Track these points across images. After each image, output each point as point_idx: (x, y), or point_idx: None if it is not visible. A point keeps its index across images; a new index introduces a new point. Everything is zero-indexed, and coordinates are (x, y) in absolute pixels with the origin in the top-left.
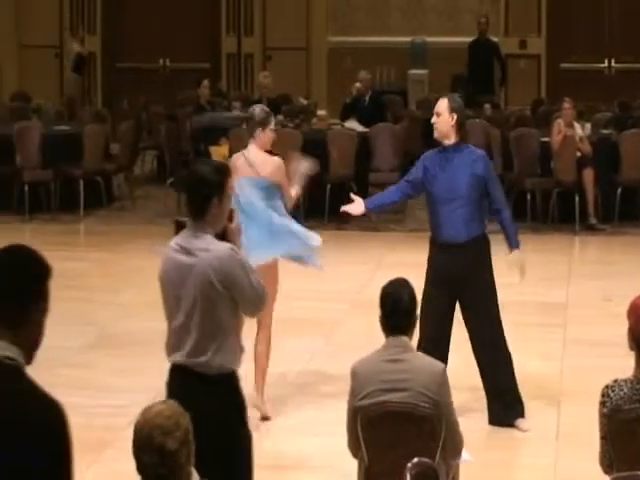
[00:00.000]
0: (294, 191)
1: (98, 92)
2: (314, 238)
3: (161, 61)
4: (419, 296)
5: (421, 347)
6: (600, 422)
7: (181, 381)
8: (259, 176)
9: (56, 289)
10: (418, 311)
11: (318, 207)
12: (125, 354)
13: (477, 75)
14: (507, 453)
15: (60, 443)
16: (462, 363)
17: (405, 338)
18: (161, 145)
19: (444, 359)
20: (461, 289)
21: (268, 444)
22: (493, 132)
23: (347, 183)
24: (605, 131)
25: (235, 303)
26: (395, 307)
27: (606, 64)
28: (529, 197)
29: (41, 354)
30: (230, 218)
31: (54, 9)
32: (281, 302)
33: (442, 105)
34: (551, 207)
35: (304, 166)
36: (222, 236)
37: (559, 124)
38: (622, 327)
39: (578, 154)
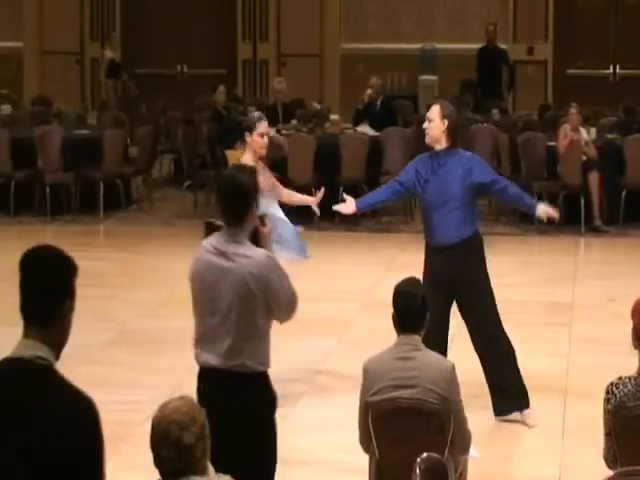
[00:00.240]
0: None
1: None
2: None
3: (179, 67)
4: None
5: None
6: (604, 418)
7: (215, 382)
8: None
9: (76, 288)
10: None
11: (330, 209)
12: (143, 351)
13: (486, 81)
14: (513, 448)
15: (93, 439)
16: (467, 359)
17: (416, 337)
18: (178, 149)
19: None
20: (457, 290)
21: (281, 439)
22: (501, 136)
23: (359, 185)
24: (610, 135)
25: (269, 307)
26: (408, 306)
27: (611, 70)
28: (536, 199)
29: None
30: (262, 222)
31: (75, 17)
32: None
33: (434, 111)
34: (557, 209)
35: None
36: (253, 239)
37: (565, 129)
38: (626, 326)
39: (584, 158)
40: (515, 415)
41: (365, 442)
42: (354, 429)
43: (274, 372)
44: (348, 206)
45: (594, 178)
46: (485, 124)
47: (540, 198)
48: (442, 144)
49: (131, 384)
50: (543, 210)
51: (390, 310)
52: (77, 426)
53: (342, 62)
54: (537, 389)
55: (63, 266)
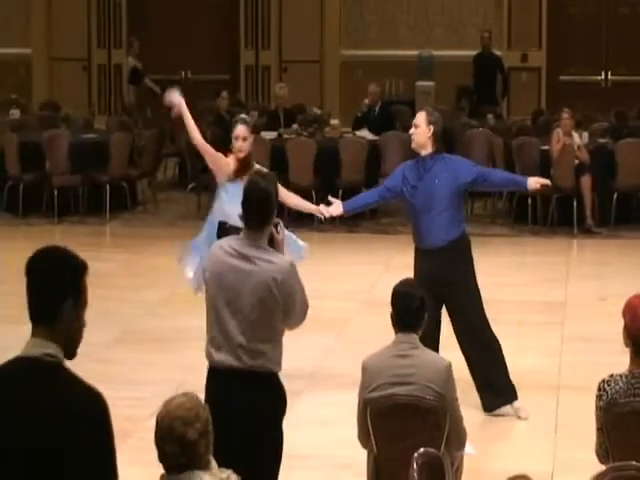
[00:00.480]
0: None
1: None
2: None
3: (182, 73)
4: None
5: None
6: (596, 415)
7: (229, 382)
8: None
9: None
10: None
11: None
12: (147, 349)
13: (481, 87)
14: (507, 444)
15: (104, 432)
16: (460, 357)
17: (414, 335)
18: (182, 152)
19: None
20: (445, 291)
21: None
22: (496, 141)
23: (358, 188)
24: (602, 140)
25: (285, 313)
26: (407, 306)
27: (603, 76)
28: (530, 202)
29: None
30: (276, 229)
31: (82, 24)
32: None
33: (420, 117)
34: (550, 211)
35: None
36: (268, 245)
37: (558, 133)
38: (617, 325)
39: (576, 162)
40: (506, 408)
41: (363, 438)
42: (353, 425)
43: None
44: (335, 208)
45: (586, 181)
46: (480, 129)
47: (534, 200)
48: (428, 149)
49: (136, 381)
50: (534, 183)
51: (388, 309)
52: (88, 420)
53: (342, 68)
54: (530, 386)
55: (66, 265)
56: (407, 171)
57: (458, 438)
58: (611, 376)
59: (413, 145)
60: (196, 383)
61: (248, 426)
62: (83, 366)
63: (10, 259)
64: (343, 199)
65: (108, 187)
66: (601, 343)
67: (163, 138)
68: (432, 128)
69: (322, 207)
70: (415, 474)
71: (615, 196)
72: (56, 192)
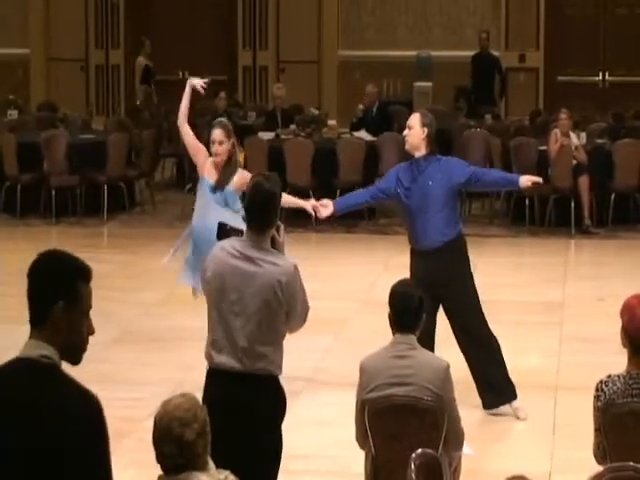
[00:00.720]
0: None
1: (121, 102)
2: None
3: (180, 73)
4: None
5: None
6: (594, 415)
7: (230, 384)
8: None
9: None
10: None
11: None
12: (146, 349)
13: (479, 87)
14: (505, 444)
15: (99, 434)
16: (457, 356)
17: (412, 336)
18: (180, 153)
19: None
20: (442, 292)
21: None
22: (494, 141)
23: (356, 189)
24: (599, 140)
25: (287, 315)
26: (406, 306)
27: (600, 77)
28: (527, 202)
29: None
30: (277, 232)
31: (80, 25)
32: None
33: (414, 119)
34: (548, 212)
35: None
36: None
37: (556, 134)
38: (615, 325)
39: (574, 162)
40: (505, 408)
41: (361, 438)
42: (351, 425)
43: None
44: (326, 210)
45: (584, 182)
46: (478, 129)
47: (531, 201)
48: (422, 151)
49: (134, 381)
50: (526, 181)
51: (387, 309)
52: (84, 421)
53: (339, 69)
54: (529, 386)
55: (62, 268)
56: (401, 173)
57: (456, 439)
58: (609, 377)
59: (407, 147)
60: (194, 383)
61: (247, 428)
62: (81, 366)
63: (8, 259)
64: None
65: (106, 188)
66: (599, 343)
67: (161, 138)
68: (426, 130)
69: (313, 203)
70: (413, 475)
71: (613, 197)
72: (54, 192)
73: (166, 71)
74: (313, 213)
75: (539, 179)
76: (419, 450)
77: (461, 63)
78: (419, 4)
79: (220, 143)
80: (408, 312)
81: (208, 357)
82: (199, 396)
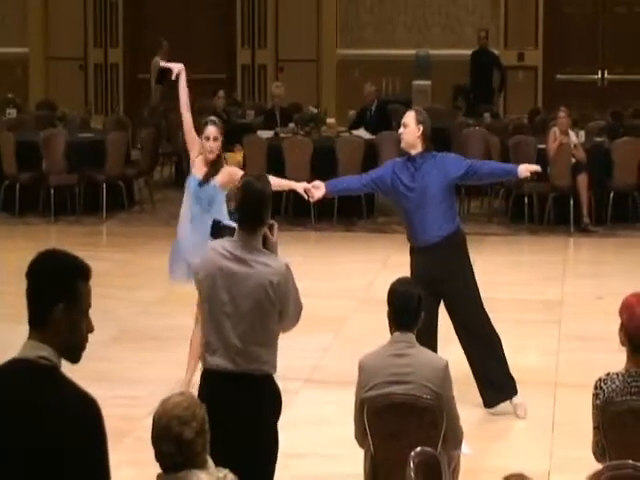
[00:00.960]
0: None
1: (120, 101)
2: None
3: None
4: None
5: None
6: (593, 413)
7: (226, 384)
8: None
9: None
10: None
11: (327, 209)
12: (144, 348)
13: (478, 85)
14: (504, 443)
15: (98, 436)
16: (458, 354)
17: (411, 334)
18: (179, 151)
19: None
20: (443, 288)
21: (280, 433)
22: (492, 139)
23: None
24: (598, 139)
25: (280, 315)
26: (406, 305)
27: (599, 75)
28: (526, 200)
29: None
30: (270, 231)
31: (79, 24)
32: None
33: (409, 117)
34: (547, 210)
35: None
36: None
37: (555, 132)
38: (614, 323)
39: (573, 160)
40: (505, 405)
41: (360, 437)
42: (350, 424)
43: None
44: (318, 192)
45: (583, 180)
46: (477, 128)
47: (530, 199)
48: (417, 149)
49: (132, 380)
50: (525, 170)
51: (386, 307)
52: (83, 422)
53: (338, 67)
54: (528, 385)
55: (61, 269)
56: (397, 168)
57: (455, 437)
58: (608, 375)
59: (403, 145)
60: (193, 382)
61: (243, 427)
62: (79, 365)
63: (7, 258)
64: (340, 199)
65: (105, 186)
66: (598, 342)
67: (160, 137)
68: (421, 128)
69: (305, 185)
70: (412, 473)
71: (611, 195)
72: (53, 191)
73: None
74: (305, 195)
75: (537, 167)
76: (418, 448)
77: (460, 62)
78: (418, 3)
79: (215, 139)
80: (408, 311)
81: (202, 359)
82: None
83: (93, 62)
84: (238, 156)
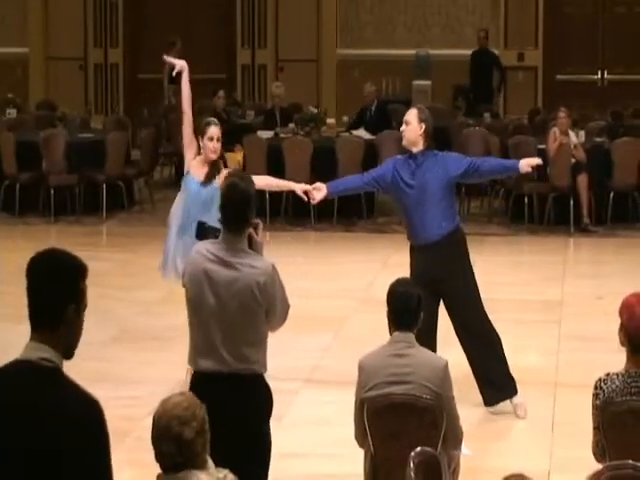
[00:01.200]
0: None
1: (120, 101)
2: None
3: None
4: None
5: None
6: (593, 413)
7: (218, 387)
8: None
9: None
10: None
11: (327, 210)
12: (144, 348)
13: (478, 85)
14: (504, 443)
15: (100, 437)
16: (458, 354)
17: (411, 334)
18: (179, 151)
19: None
20: (443, 286)
21: (280, 433)
22: (492, 139)
23: None
24: (598, 139)
25: (267, 315)
26: (406, 306)
27: (599, 75)
28: (526, 201)
29: None
30: (256, 231)
31: (79, 24)
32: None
33: (411, 114)
34: (547, 210)
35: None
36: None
37: (555, 132)
38: (614, 324)
39: (573, 160)
40: (505, 405)
41: (360, 437)
42: (350, 424)
43: (272, 368)
44: (319, 192)
45: (583, 180)
46: (477, 128)
47: (530, 199)
48: (419, 146)
49: (133, 380)
50: (526, 165)
51: (386, 308)
52: (85, 424)
53: (338, 67)
54: (528, 385)
55: (67, 270)
56: (398, 166)
57: (455, 437)
58: (608, 375)
59: (404, 142)
60: None
61: (235, 428)
62: (80, 365)
63: (7, 258)
64: (340, 199)
65: (105, 186)
66: (598, 342)
67: (160, 137)
68: (423, 126)
69: (305, 187)
70: (412, 473)
71: (611, 195)
72: (53, 191)
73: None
74: (305, 197)
75: (538, 160)
76: (418, 448)
77: (460, 62)
78: (418, 3)
79: (218, 140)
80: (408, 311)
81: (192, 362)
82: None
83: (93, 62)
84: (238, 156)
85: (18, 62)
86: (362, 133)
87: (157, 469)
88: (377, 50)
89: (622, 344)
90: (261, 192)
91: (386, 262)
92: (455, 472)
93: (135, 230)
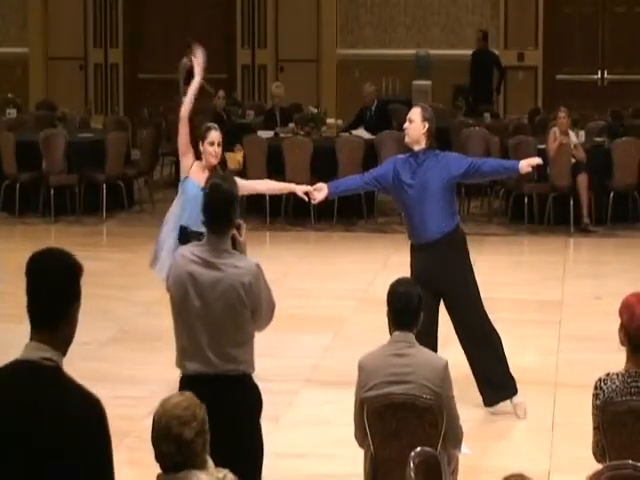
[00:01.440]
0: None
1: (120, 101)
2: None
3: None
4: None
5: None
6: (593, 413)
7: (206, 388)
8: None
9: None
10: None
11: (327, 210)
12: (144, 348)
13: (478, 84)
14: (504, 443)
15: (102, 436)
16: (458, 354)
17: (411, 334)
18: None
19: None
20: (443, 286)
21: (280, 433)
22: (492, 139)
23: None
24: (598, 139)
25: (253, 315)
26: (406, 306)
27: (599, 75)
28: (526, 200)
29: None
30: (239, 232)
31: (79, 24)
32: (293, 300)
33: (415, 112)
34: (547, 210)
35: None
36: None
37: (555, 132)
38: (614, 324)
39: (573, 160)
40: (505, 405)
41: (360, 437)
42: (350, 424)
43: (272, 368)
44: (320, 192)
45: (583, 180)
46: (477, 128)
47: (530, 199)
48: (421, 145)
49: (133, 380)
50: (526, 165)
51: (386, 307)
52: (86, 424)
53: (338, 67)
54: (527, 385)
55: (68, 268)
56: (399, 165)
57: (455, 436)
58: (607, 375)
59: (407, 140)
60: None
61: (225, 429)
62: (79, 365)
63: (7, 258)
64: (340, 199)
65: (104, 186)
66: (598, 342)
67: (160, 137)
68: (427, 125)
69: (305, 188)
70: (412, 473)
71: (611, 195)
72: (53, 191)
73: (165, 70)
74: (306, 198)
75: (538, 160)
76: (418, 448)
77: (460, 62)
78: (418, 3)
79: (218, 145)
80: (408, 311)
81: (179, 364)
82: None
83: (93, 62)
84: (238, 156)
85: (18, 62)
86: (362, 133)
87: (157, 469)
88: (377, 50)
89: (622, 344)
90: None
91: (386, 262)
92: (454, 473)
93: (135, 230)
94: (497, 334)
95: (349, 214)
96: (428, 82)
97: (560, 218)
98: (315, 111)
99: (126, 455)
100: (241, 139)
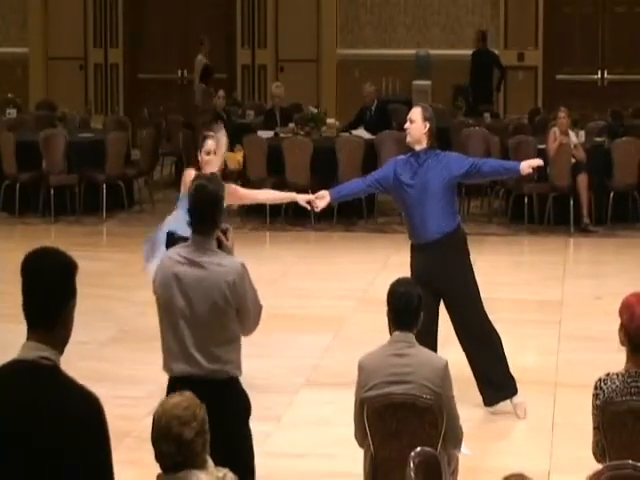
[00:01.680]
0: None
1: (120, 101)
2: None
3: (179, 72)
4: None
5: None
6: (593, 413)
7: (194, 390)
8: None
9: (79, 287)
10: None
11: (327, 210)
12: (143, 348)
13: (478, 84)
14: (504, 443)
15: (101, 435)
16: (458, 354)
17: (411, 334)
18: (179, 151)
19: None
20: (443, 286)
21: (280, 433)
22: (492, 139)
23: None
24: (598, 139)
25: (238, 315)
26: (406, 306)
27: (599, 75)
28: (526, 200)
29: None
30: (225, 235)
31: (79, 24)
32: (293, 300)
33: (416, 112)
34: (547, 210)
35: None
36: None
37: (555, 132)
38: (614, 324)
39: (573, 160)
40: (505, 405)
41: (360, 437)
42: (350, 424)
43: (272, 368)
44: (323, 200)
45: (583, 180)
46: (477, 127)
47: (530, 199)
48: (422, 145)
49: (132, 380)
50: (527, 167)
51: (386, 307)
52: (85, 422)
53: (338, 67)
54: (527, 385)
55: (63, 267)
56: (399, 165)
57: (455, 436)
58: (607, 375)
59: (408, 139)
60: None
61: (214, 432)
62: (78, 365)
63: (7, 258)
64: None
65: (105, 186)
66: (598, 342)
67: (160, 137)
68: (428, 125)
69: (307, 197)
70: (412, 473)
71: (611, 195)
72: (53, 191)
73: (165, 70)
74: (308, 207)
75: (539, 161)
76: (418, 448)
77: (460, 62)
78: (418, 3)
79: (215, 153)
80: (408, 311)
81: (165, 366)
82: None
83: (93, 62)
84: (238, 156)
85: (18, 62)
86: (362, 133)
87: (157, 469)
88: (377, 50)
89: (622, 344)
90: None
91: (386, 262)
92: (454, 473)
93: (135, 230)
94: (497, 334)
95: (349, 214)
96: (428, 82)
97: (560, 218)
98: (315, 111)
99: (126, 455)
100: (241, 139)
